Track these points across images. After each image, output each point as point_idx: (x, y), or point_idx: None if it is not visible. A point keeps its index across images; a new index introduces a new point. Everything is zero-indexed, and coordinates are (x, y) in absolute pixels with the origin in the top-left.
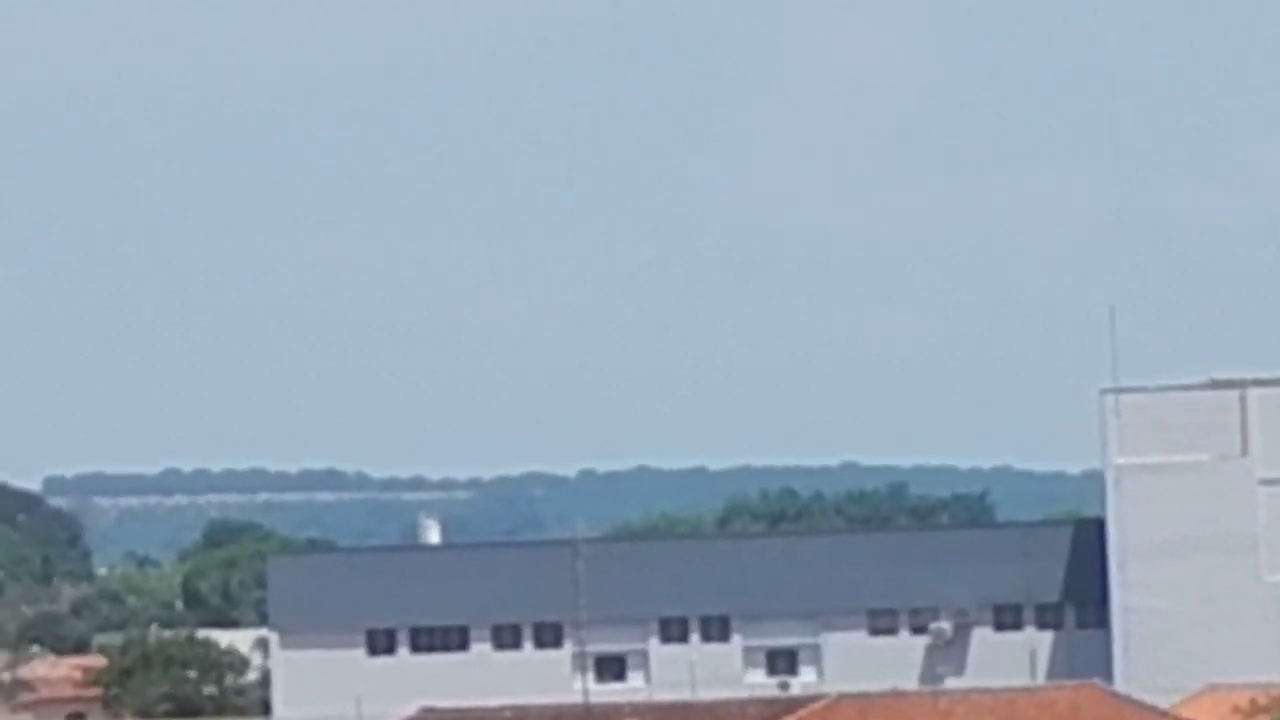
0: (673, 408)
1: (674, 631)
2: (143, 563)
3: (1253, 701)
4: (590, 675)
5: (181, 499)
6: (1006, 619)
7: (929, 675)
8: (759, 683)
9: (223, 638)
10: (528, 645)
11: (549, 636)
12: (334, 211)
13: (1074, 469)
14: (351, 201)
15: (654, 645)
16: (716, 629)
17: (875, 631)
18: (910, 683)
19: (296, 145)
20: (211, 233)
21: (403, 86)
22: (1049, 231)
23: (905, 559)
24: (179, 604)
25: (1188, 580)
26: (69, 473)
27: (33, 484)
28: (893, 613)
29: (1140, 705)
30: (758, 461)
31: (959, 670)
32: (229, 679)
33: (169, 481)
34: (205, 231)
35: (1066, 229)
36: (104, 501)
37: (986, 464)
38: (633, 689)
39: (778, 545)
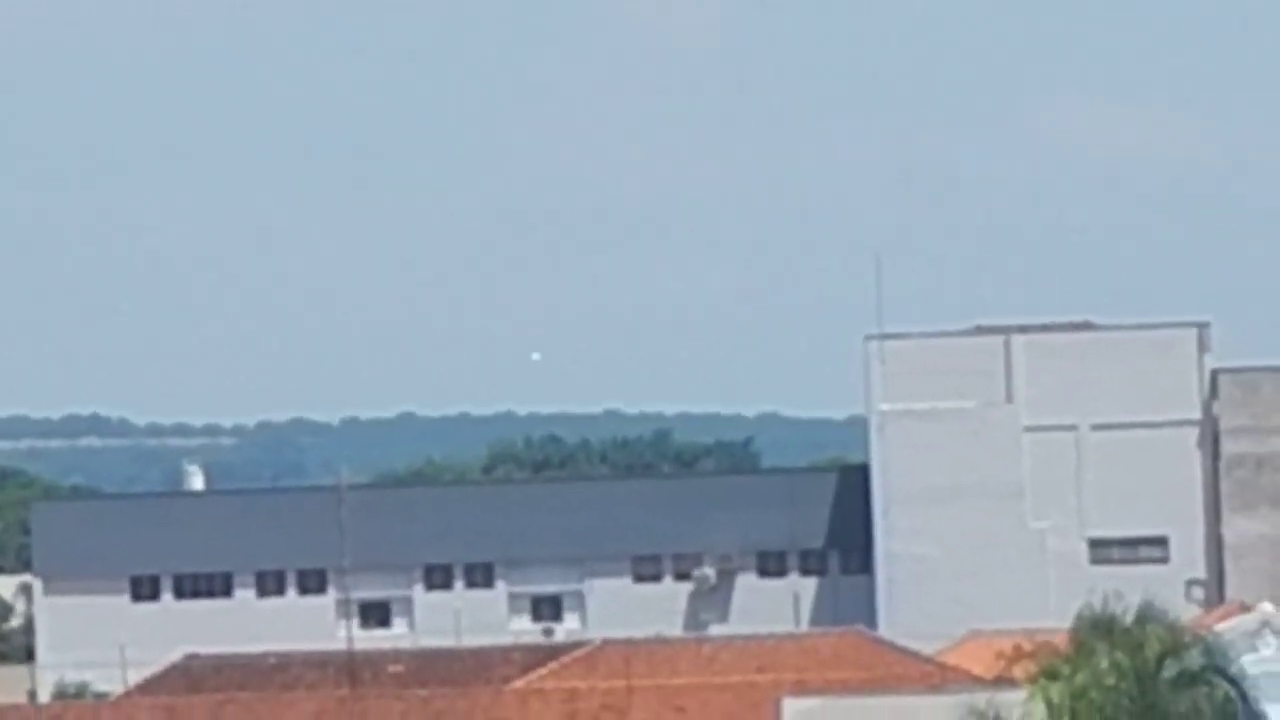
0: (436, 354)
1: (438, 578)
2: None
3: (1016, 647)
4: (354, 622)
5: None
6: (770, 565)
7: (693, 622)
8: (523, 629)
9: None
10: (291, 592)
11: (313, 583)
12: (106, 156)
13: (839, 415)
14: (125, 145)
15: (418, 592)
16: (481, 576)
17: (639, 578)
18: (674, 629)
19: (59, 89)
20: None
21: (205, 26)
22: (815, 178)
23: (669, 506)
24: None
25: (952, 526)
26: None
27: None
28: (656, 559)
29: (903, 651)
30: (521, 408)
31: (723, 617)
32: None
33: None
34: None
35: (833, 176)
36: None
37: (751, 410)
38: (397, 635)
39: (542, 492)
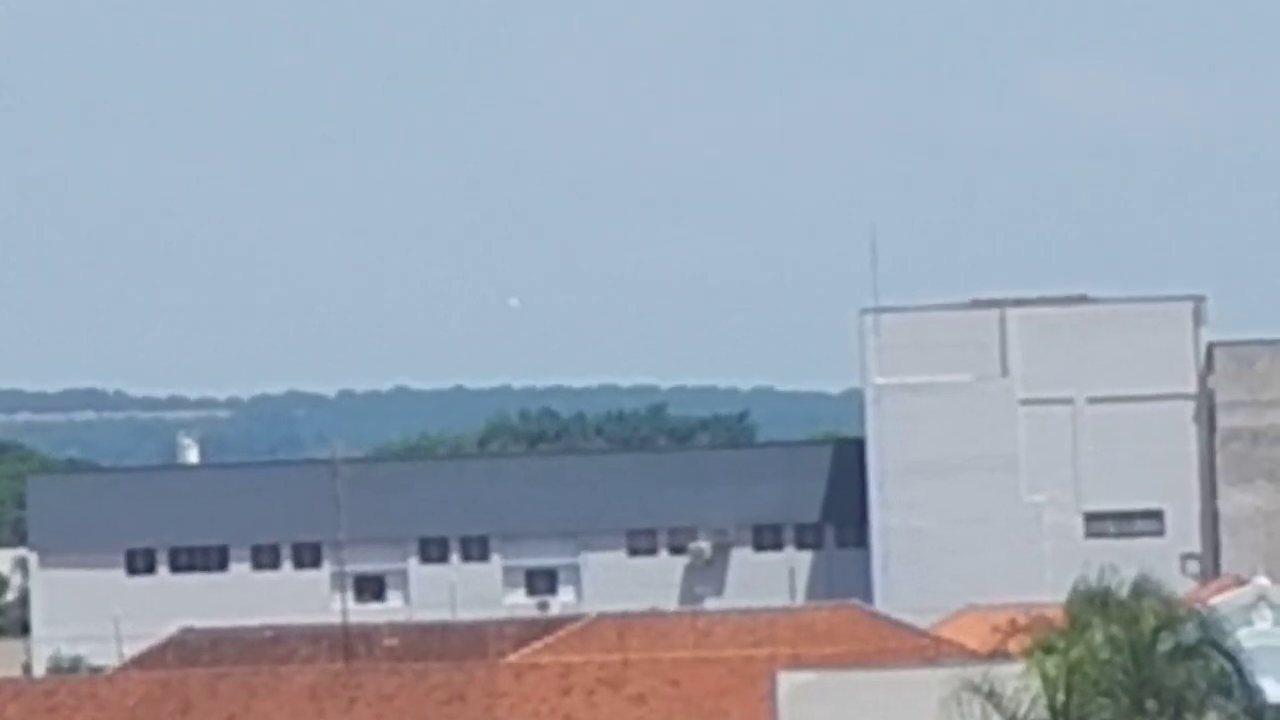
0: (431, 327)
1: (433, 551)
2: None
3: (1012, 621)
4: (349, 595)
5: None
6: (766, 539)
7: (688, 595)
8: (519, 603)
9: None
10: (286, 565)
11: (308, 556)
12: (98, 120)
13: (834, 389)
14: (118, 112)
15: (413, 565)
16: (476, 549)
17: (634, 552)
18: (669, 603)
19: (57, 47)
20: None
21: None
22: (810, 149)
23: (664, 479)
24: None
25: (948, 500)
26: None
27: None
28: (652, 533)
29: (899, 625)
30: (517, 382)
31: (718, 590)
32: None
33: None
34: None
35: (828, 147)
36: None
37: (746, 384)
38: (392, 609)
39: (537, 465)
